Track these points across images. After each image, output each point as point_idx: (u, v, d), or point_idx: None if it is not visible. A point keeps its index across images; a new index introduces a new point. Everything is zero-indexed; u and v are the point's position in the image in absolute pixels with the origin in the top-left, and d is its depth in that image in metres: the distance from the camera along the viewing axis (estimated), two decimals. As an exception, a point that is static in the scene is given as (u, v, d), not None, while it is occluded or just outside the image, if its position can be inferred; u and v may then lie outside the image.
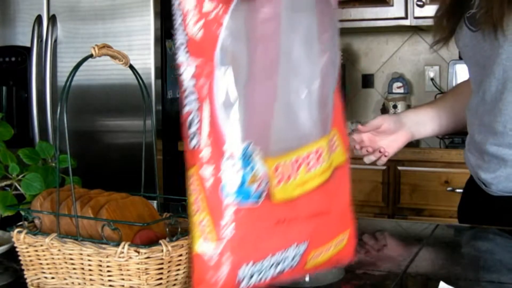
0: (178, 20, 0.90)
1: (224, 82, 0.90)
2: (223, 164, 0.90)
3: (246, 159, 0.91)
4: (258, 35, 0.92)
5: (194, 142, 0.91)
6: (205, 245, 0.90)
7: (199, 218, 0.90)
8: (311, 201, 0.99)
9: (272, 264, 0.94)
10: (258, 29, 0.92)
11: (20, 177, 1.15)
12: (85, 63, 0.92)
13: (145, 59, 2.86)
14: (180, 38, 0.90)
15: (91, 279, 0.94)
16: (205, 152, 0.90)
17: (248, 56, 0.91)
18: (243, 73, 0.91)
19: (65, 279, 0.98)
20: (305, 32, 0.98)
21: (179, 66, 0.90)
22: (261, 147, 0.93)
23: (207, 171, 0.90)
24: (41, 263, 1.00)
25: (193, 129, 0.91)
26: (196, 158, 0.90)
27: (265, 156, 0.93)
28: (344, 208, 1.07)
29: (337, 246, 1.05)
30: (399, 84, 3.24)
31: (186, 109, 0.91)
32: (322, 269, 1.04)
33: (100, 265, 0.93)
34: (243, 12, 0.91)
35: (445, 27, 1.55)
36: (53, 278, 0.99)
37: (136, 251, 0.90)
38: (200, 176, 0.90)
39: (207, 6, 0.89)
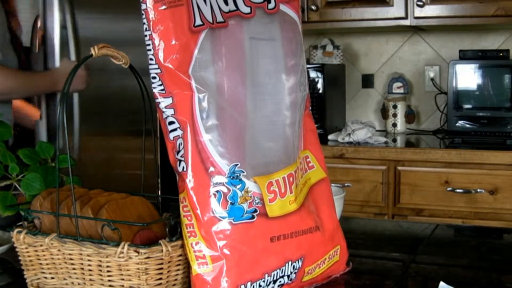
0: (150, 52, 0.92)
1: (203, 109, 0.92)
2: (212, 186, 0.92)
3: (234, 179, 0.93)
4: (225, 64, 0.94)
5: (182, 166, 0.92)
6: (201, 270, 0.91)
7: (193, 242, 0.92)
8: (301, 217, 1.00)
9: (270, 283, 0.95)
10: (225, 59, 0.95)
11: (20, 177, 1.15)
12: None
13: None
14: (153, 70, 0.92)
15: (91, 279, 0.94)
16: (193, 176, 0.92)
17: (218, 85, 0.94)
18: (217, 100, 0.93)
19: (65, 279, 0.98)
20: (270, 60, 1.00)
21: (155, 96, 0.93)
22: (248, 167, 0.94)
23: (196, 194, 0.92)
24: (41, 263, 1.00)
25: (180, 153, 0.92)
26: (185, 182, 0.92)
27: (255, 175, 0.95)
28: (332, 223, 1.08)
29: (330, 261, 1.06)
30: (399, 84, 3.24)
31: (172, 135, 0.93)
32: (318, 282, 1.06)
33: (100, 265, 0.93)
34: (211, 44, 0.93)
35: None
36: (53, 278, 0.99)
37: (136, 251, 0.90)
38: (190, 200, 0.92)
39: (178, 39, 0.91)
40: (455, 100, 2.88)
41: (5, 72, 2.11)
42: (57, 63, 2.52)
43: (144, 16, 0.92)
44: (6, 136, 1.24)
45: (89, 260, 0.93)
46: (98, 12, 2.77)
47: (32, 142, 2.47)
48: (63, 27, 2.52)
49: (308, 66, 2.96)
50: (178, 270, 0.95)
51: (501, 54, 2.86)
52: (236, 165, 0.93)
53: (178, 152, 0.93)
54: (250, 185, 0.94)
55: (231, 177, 0.93)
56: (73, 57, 2.50)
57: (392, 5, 2.94)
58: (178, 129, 0.93)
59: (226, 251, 0.91)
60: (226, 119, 0.94)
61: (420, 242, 1.37)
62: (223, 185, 0.92)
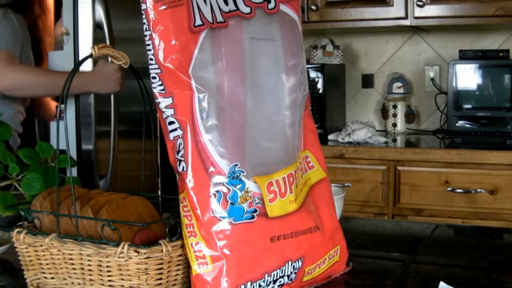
0: (150, 52, 0.92)
1: (203, 109, 0.93)
2: (212, 186, 0.92)
3: (234, 179, 0.93)
4: (225, 64, 0.94)
5: (182, 166, 0.92)
6: (201, 270, 0.91)
7: (193, 242, 0.92)
8: (301, 217, 1.00)
9: (270, 283, 0.95)
10: (225, 59, 0.94)
11: (20, 177, 1.15)
12: (85, 62, 0.93)
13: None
14: (153, 70, 0.92)
15: (91, 279, 0.94)
16: (193, 176, 0.92)
17: (218, 85, 0.94)
18: (217, 100, 0.94)
19: (65, 279, 0.98)
20: (270, 60, 1.00)
21: (155, 96, 0.93)
22: (248, 167, 0.94)
23: (196, 194, 0.92)
24: (41, 263, 1.00)
25: (180, 153, 0.92)
26: (185, 182, 0.92)
27: (255, 175, 0.95)
28: (332, 223, 1.08)
29: (330, 261, 1.06)
30: (399, 84, 3.24)
31: (172, 135, 0.93)
32: (318, 282, 1.06)
33: (100, 265, 0.93)
34: (211, 44, 0.93)
35: None
36: (53, 278, 0.99)
37: (136, 251, 0.90)
38: (190, 200, 0.92)
39: (178, 39, 0.91)
40: (455, 100, 2.88)
41: (21, 69, 2.08)
42: (90, 64, 2.47)
43: (144, 16, 0.92)
44: (6, 136, 1.24)
45: (89, 260, 0.93)
46: (129, 11, 2.77)
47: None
48: (97, 27, 2.49)
49: (308, 66, 2.96)
50: (178, 270, 0.95)
51: (501, 54, 2.86)
52: (236, 165, 0.93)
53: (178, 152, 0.93)
54: (250, 185, 0.94)
55: (231, 177, 0.93)
56: (109, 58, 2.48)
57: (392, 5, 2.94)
58: (178, 129, 0.93)
59: (226, 251, 0.91)
60: (226, 119, 0.94)
61: (420, 242, 1.37)
62: (223, 185, 0.92)
